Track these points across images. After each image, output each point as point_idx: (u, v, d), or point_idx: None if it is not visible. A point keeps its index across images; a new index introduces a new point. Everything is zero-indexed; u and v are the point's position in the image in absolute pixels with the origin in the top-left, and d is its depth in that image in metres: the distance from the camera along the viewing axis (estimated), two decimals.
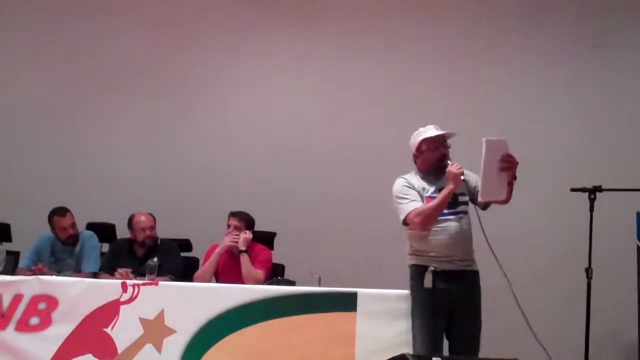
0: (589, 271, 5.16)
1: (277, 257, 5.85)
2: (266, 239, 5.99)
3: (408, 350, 4.05)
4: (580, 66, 6.61)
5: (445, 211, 4.31)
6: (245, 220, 5.71)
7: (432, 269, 4.29)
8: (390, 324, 4.51)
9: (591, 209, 5.22)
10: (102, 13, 7.51)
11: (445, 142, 4.42)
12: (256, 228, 5.78)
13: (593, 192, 5.24)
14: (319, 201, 6.91)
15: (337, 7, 7.24)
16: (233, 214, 5.74)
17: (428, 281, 4.29)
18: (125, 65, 7.47)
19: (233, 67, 7.40)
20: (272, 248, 5.95)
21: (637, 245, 5.17)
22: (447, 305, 4.29)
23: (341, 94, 7.13)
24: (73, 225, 5.98)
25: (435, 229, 4.32)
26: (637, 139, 6.38)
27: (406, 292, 4.54)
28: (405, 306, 4.51)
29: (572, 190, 5.33)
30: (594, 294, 5.17)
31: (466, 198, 4.45)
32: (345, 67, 7.17)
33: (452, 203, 4.29)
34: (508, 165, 4.10)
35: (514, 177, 4.18)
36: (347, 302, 4.62)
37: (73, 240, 5.97)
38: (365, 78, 7.09)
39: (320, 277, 4.99)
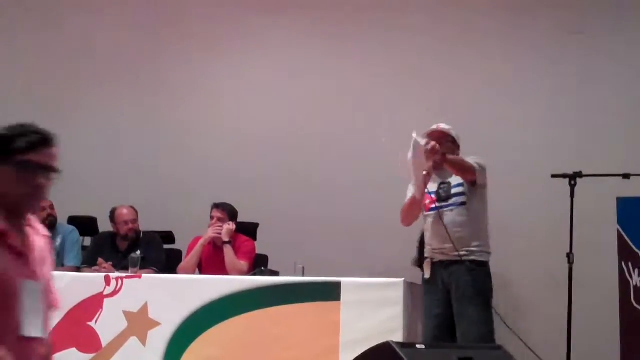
0: (570, 256, 5.19)
1: (260, 247, 5.85)
2: (249, 230, 5.99)
3: (396, 338, 4.06)
4: (561, 52, 6.62)
5: (433, 205, 4.38)
6: (228, 212, 5.71)
7: (428, 260, 4.45)
8: (375, 312, 4.53)
9: (572, 195, 5.24)
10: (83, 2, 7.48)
11: (440, 138, 4.42)
12: (239, 219, 5.78)
13: (574, 178, 5.26)
14: (302, 192, 6.89)
15: None
16: (216, 206, 5.73)
17: (426, 272, 4.46)
18: (105, 55, 7.41)
19: (216, 57, 7.35)
20: (255, 239, 5.95)
21: (618, 230, 5.19)
22: (444, 294, 4.38)
23: (325, 84, 7.10)
24: (51, 206, 5.90)
25: (427, 223, 4.48)
26: (617, 124, 6.40)
27: (390, 280, 4.57)
28: (390, 295, 4.53)
29: (553, 176, 5.35)
30: (576, 279, 5.20)
31: (461, 189, 4.46)
32: (329, 57, 7.13)
33: (444, 197, 4.33)
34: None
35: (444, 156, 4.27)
36: (331, 292, 4.63)
37: (51, 221, 5.86)
38: (350, 69, 7.06)
39: (303, 268, 4.99)
